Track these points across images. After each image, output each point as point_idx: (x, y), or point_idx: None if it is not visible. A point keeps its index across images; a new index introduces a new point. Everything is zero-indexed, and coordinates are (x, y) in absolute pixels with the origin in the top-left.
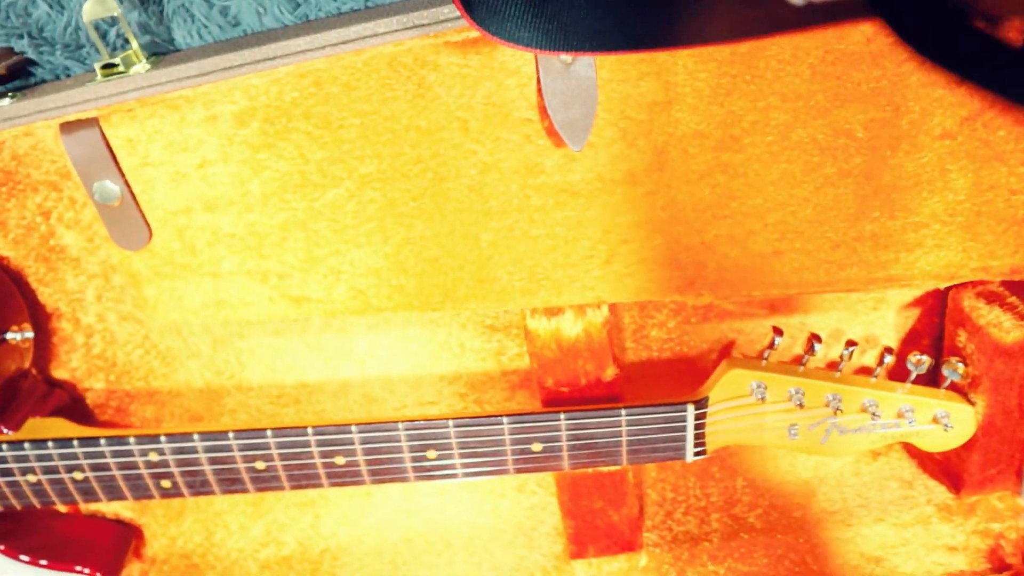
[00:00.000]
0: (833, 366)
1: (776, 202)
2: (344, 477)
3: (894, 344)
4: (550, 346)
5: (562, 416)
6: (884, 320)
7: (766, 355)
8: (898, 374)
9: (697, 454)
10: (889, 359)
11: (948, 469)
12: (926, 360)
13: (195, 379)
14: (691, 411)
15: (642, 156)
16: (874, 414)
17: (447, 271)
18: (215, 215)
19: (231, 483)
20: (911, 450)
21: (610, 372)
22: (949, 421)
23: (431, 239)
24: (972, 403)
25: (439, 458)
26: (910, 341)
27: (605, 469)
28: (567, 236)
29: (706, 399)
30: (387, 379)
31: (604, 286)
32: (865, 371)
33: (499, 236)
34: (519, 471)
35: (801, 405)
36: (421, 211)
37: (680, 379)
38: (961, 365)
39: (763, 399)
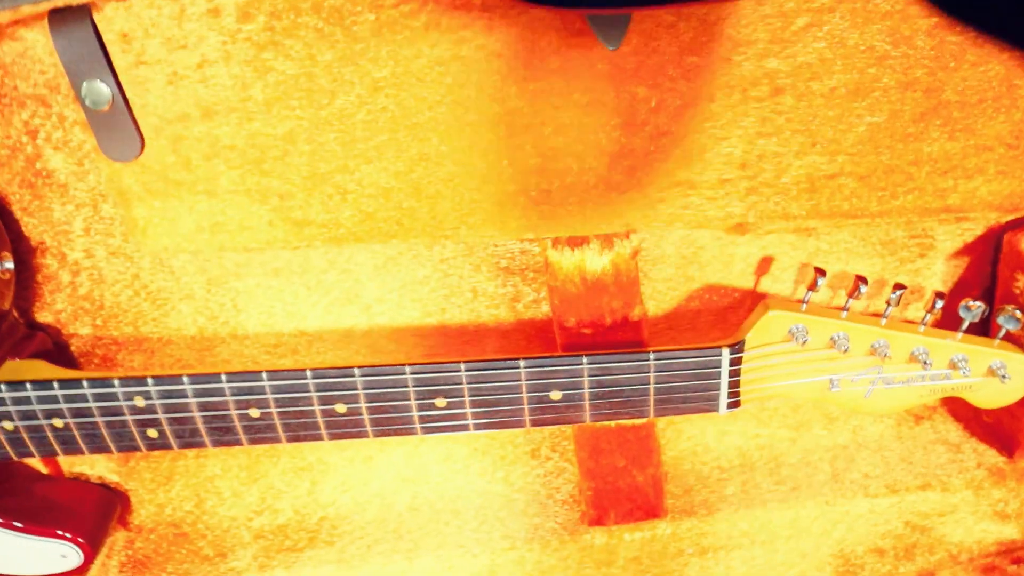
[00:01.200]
0: (877, 316)
1: (826, 117)
2: (345, 427)
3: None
4: (573, 280)
5: (584, 360)
6: (931, 268)
7: (806, 297)
8: (947, 326)
9: (731, 405)
10: (940, 304)
11: (1000, 431)
12: (980, 306)
13: (187, 325)
14: (726, 355)
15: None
16: (925, 362)
17: (464, 192)
18: (213, 124)
19: (223, 433)
20: (957, 412)
21: (638, 311)
22: (1006, 372)
23: (447, 155)
24: None
25: (449, 407)
26: (960, 291)
27: (630, 423)
28: (596, 153)
29: (742, 343)
30: (394, 329)
31: (635, 212)
32: (911, 323)
33: (522, 153)
34: (536, 423)
35: (846, 351)
36: (437, 123)
37: (711, 329)
38: (1019, 312)
39: (804, 343)
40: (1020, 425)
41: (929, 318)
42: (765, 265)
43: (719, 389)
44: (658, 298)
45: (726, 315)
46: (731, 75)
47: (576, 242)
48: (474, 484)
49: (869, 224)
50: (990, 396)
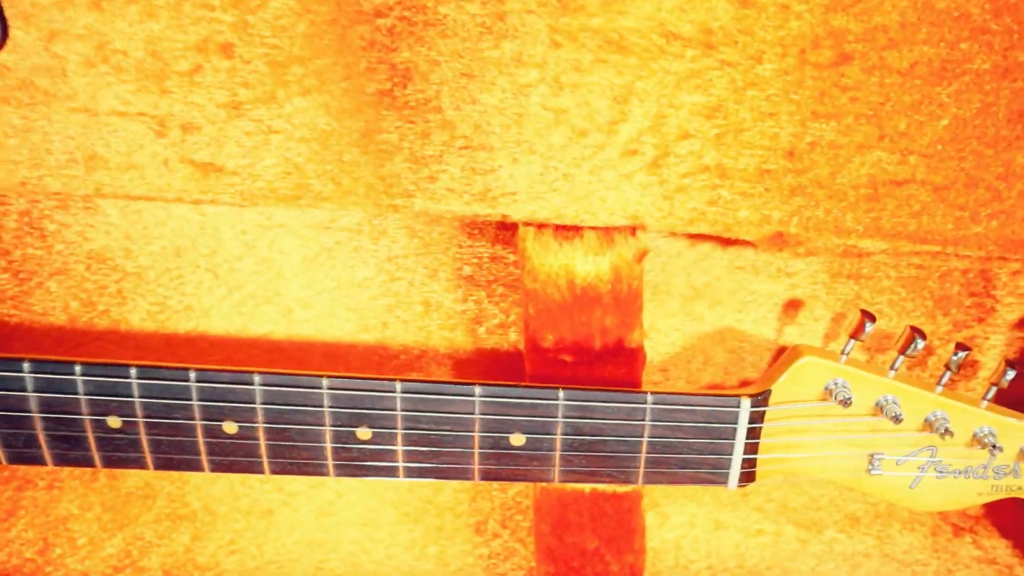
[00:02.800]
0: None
1: (901, 103)
2: (234, 455)
3: (1000, 331)
4: (557, 283)
5: (560, 394)
6: (989, 338)
7: (848, 347)
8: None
9: (743, 479)
10: (1011, 376)
11: None
12: None
13: (55, 309)
14: (746, 408)
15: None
16: (993, 447)
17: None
18: (104, 17)
19: (69, 446)
20: (1005, 523)
21: (637, 335)
22: None
23: None
24: None
25: (375, 440)
26: None
27: (610, 489)
28: (597, 115)
29: (767, 393)
30: (320, 343)
31: (649, 200)
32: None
33: (506, 96)
34: (487, 475)
35: (897, 420)
36: None
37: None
38: None
39: (846, 404)
40: None
41: (993, 392)
42: (791, 311)
43: (732, 453)
44: (654, 338)
45: (735, 371)
46: (787, 29)
47: (566, 232)
48: (398, 560)
49: (925, 270)
50: None
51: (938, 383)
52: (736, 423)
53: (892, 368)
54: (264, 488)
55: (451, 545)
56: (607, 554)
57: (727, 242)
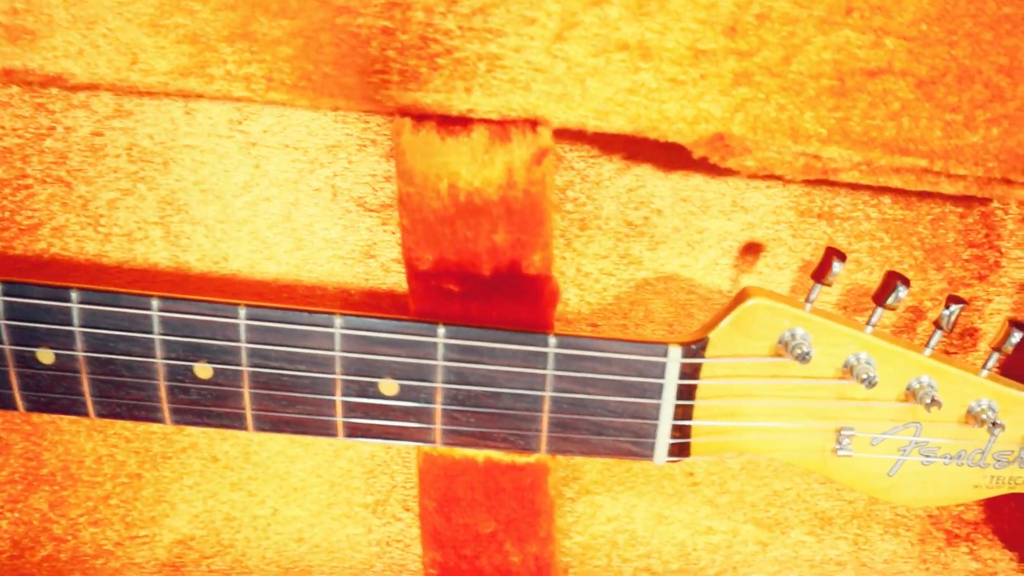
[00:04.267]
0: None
1: None
2: (51, 392)
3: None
4: (436, 189)
5: (440, 331)
6: (1002, 280)
7: (812, 294)
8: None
9: (674, 452)
10: (1017, 338)
11: None
12: None
13: None
14: (675, 359)
15: None
16: (993, 424)
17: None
18: None
19: None
20: (1010, 532)
21: (540, 260)
22: None
23: None
24: None
25: (216, 380)
26: None
27: (507, 459)
28: None
29: (704, 341)
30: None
31: (550, 86)
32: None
33: None
34: (354, 432)
35: (870, 383)
36: None
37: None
38: None
39: (804, 360)
40: None
41: (995, 358)
42: (749, 256)
43: (658, 418)
44: (584, 285)
45: (682, 328)
46: None
47: (450, 127)
48: (276, 540)
49: (912, 210)
50: None
51: (926, 345)
52: (663, 378)
53: (869, 324)
54: (131, 447)
55: (340, 528)
56: (506, 540)
57: (668, 165)
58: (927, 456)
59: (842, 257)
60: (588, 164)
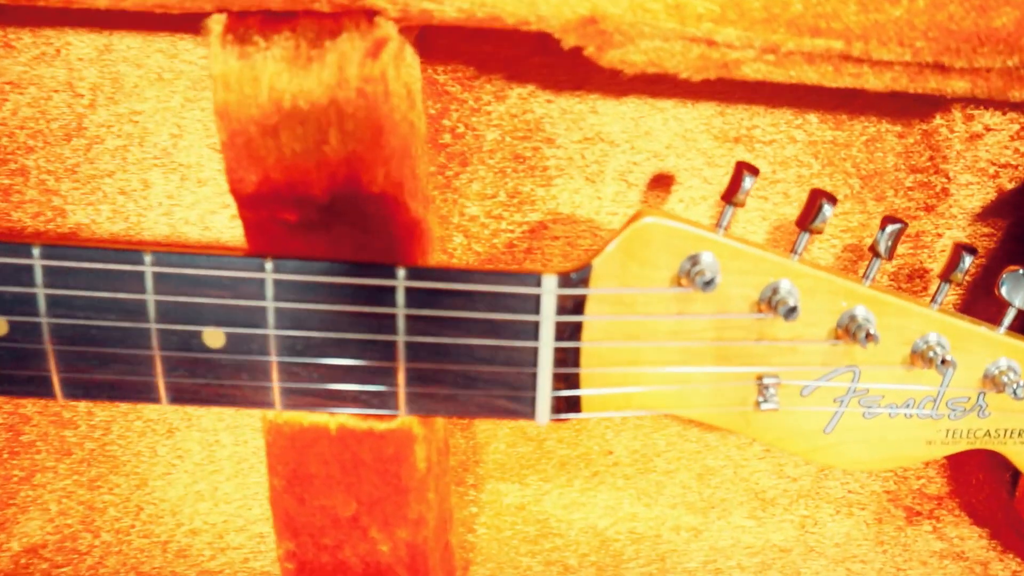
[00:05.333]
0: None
1: None
2: None
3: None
4: (255, 95)
5: (268, 265)
6: (951, 211)
7: (725, 219)
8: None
9: (561, 408)
10: (968, 262)
11: None
12: None
13: None
14: (550, 291)
15: None
16: (943, 361)
17: None
18: None
19: None
20: (977, 506)
21: (384, 175)
22: None
23: None
24: None
25: (13, 335)
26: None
27: (363, 423)
28: None
29: (586, 270)
30: None
31: None
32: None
33: None
34: (180, 396)
35: (790, 314)
36: None
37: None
38: None
39: (709, 286)
40: None
41: (946, 290)
42: (660, 190)
43: (535, 366)
44: (469, 231)
45: None
46: None
47: (272, 22)
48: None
49: (845, 130)
50: None
51: (863, 277)
52: (537, 314)
53: (794, 252)
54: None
55: (209, 528)
56: (371, 525)
57: (557, 83)
58: (869, 407)
59: (754, 171)
60: (464, 87)
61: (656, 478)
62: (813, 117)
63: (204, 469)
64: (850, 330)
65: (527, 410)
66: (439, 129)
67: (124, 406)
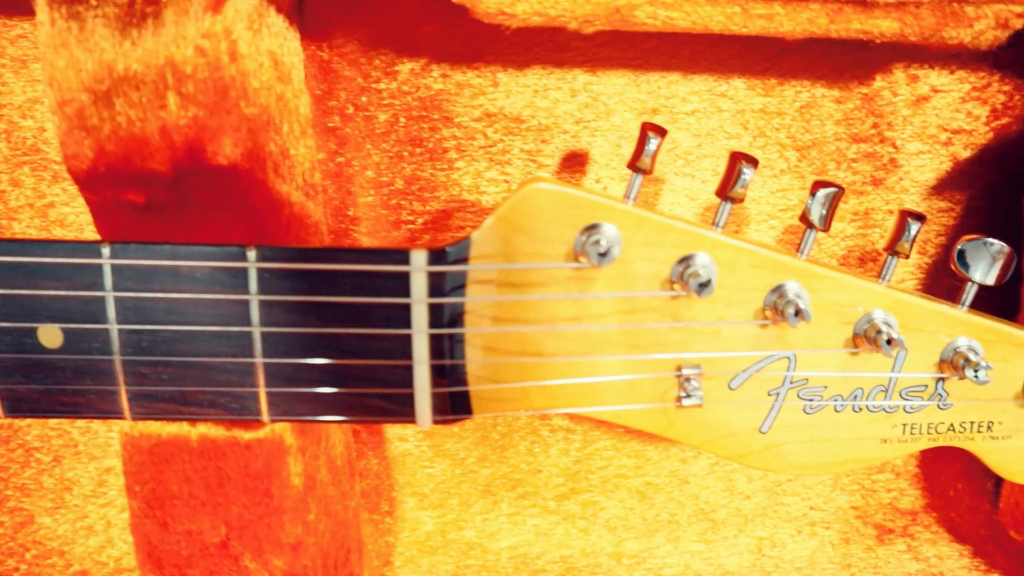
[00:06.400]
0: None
1: None
2: None
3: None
4: (83, 60)
5: (105, 251)
6: (902, 184)
7: (631, 188)
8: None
9: (446, 409)
10: (915, 229)
11: None
12: (1000, 248)
13: None
14: (419, 267)
15: None
16: (889, 341)
17: None
18: None
19: None
20: (957, 520)
21: (231, 144)
22: None
23: None
24: None
25: None
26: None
27: (222, 435)
28: None
29: (465, 244)
30: None
31: None
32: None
33: None
34: (18, 406)
35: (703, 289)
36: None
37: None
38: None
39: (606, 258)
40: None
41: (894, 265)
42: (573, 169)
43: (410, 357)
44: (363, 222)
45: None
46: None
47: None
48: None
49: (775, 95)
50: None
51: (798, 251)
52: (407, 296)
53: (715, 224)
54: None
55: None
56: (243, 553)
57: (440, 53)
58: (811, 400)
59: (660, 132)
60: (349, 63)
61: (591, 498)
62: (739, 83)
63: (94, 502)
64: (779, 308)
65: (406, 411)
66: (327, 111)
67: (2, 432)
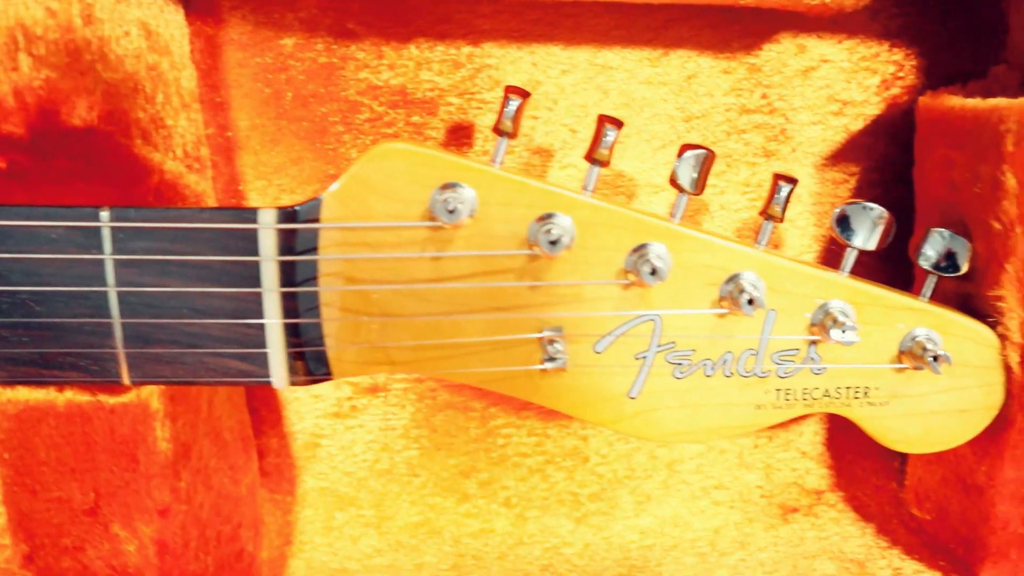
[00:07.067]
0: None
1: None
2: None
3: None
4: None
5: None
6: (795, 153)
7: (497, 152)
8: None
9: (304, 370)
10: (785, 191)
11: (948, 528)
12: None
13: None
14: (268, 224)
15: None
16: (750, 301)
17: None
18: None
19: None
20: (862, 498)
21: (87, 107)
22: (942, 357)
23: None
24: (1004, 327)
25: None
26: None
27: (90, 398)
28: None
29: (315, 204)
30: None
31: None
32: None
33: None
34: None
35: (554, 246)
36: None
37: None
38: (967, 247)
39: (455, 216)
40: (992, 512)
41: (769, 229)
42: (456, 141)
43: (262, 316)
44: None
45: None
46: None
47: None
48: None
49: (655, 69)
50: (907, 420)
51: (671, 215)
52: (257, 255)
53: (585, 188)
54: None
55: None
56: (113, 520)
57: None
58: (679, 364)
59: (522, 94)
60: (234, 40)
61: (490, 476)
62: (625, 53)
63: None
64: (637, 267)
65: (262, 372)
66: (214, 85)
67: None
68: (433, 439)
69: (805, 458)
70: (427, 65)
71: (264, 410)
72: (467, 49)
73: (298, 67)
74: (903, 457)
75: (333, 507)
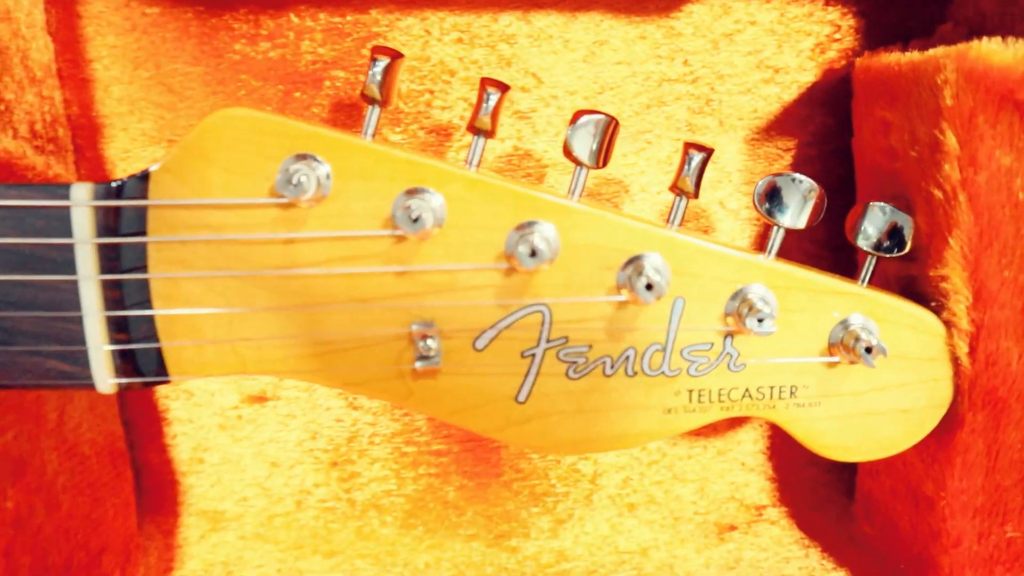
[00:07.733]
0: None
1: None
2: None
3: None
4: None
5: None
6: (725, 122)
7: (370, 123)
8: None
9: (133, 371)
10: (697, 159)
11: (898, 547)
12: (811, 186)
13: None
14: (81, 201)
15: None
16: (648, 287)
17: None
18: None
19: None
20: (805, 515)
21: None
22: (878, 348)
23: None
24: (949, 313)
25: None
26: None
27: None
28: None
29: (142, 178)
30: None
31: None
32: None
33: None
34: None
35: (419, 226)
36: None
37: None
38: (897, 213)
39: (301, 190)
40: (943, 528)
41: (683, 205)
42: (341, 117)
43: (79, 308)
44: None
45: None
46: None
47: None
48: None
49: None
50: (842, 423)
51: (569, 192)
52: (70, 237)
53: (468, 163)
54: None
55: None
56: None
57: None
58: (573, 361)
59: (396, 55)
60: (97, 9)
61: (417, 488)
62: (533, 17)
63: None
64: (517, 251)
65: (83, 372)
66: (76, 61)
67: None
68: (327, 454)
69: (744, 469)
70: (309, 35)
71: (141, 422)
72: (352, 16)
73: (169, 39)
74: (854, 467)
75: (219, 527)
